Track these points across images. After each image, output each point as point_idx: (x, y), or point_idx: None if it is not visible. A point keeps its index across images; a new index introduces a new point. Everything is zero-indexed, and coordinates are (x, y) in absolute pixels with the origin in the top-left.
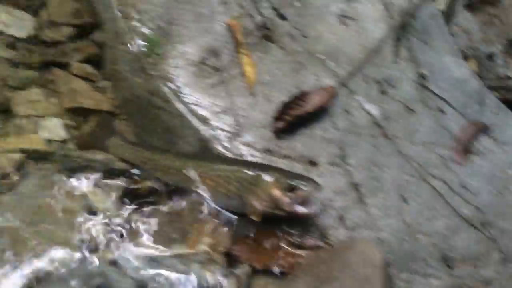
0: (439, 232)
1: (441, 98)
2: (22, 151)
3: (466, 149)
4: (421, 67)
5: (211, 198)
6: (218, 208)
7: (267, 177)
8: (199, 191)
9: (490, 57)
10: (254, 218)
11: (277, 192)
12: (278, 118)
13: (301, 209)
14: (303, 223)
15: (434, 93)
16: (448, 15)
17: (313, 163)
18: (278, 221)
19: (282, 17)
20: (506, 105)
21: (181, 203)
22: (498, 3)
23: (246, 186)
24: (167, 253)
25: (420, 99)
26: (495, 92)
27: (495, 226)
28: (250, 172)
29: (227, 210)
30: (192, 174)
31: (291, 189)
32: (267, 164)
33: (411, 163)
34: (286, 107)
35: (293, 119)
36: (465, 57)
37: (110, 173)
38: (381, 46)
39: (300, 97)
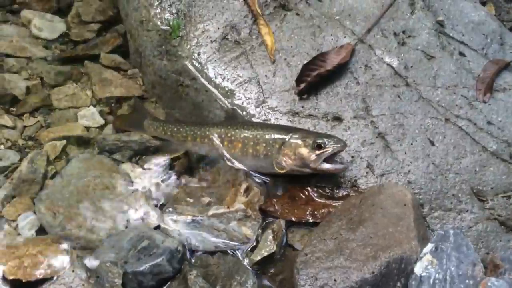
0: (469, 168)
1: (460, 42)
2: (65, 138)
3: (489, 87)
4: (438, 15)
5: (240, 161)
6: (247, 171)
7: (294, 137)
8: (227, 156)
9: None
10: (280, 171)
11: (304, 150)
12: (299, 80)
13: (326, 166)
14: (333, 177)
15: (453, 38)
16: None
17: (338, 118)
18: (307, 178)
19: None
20: None
21: (213, 170)
22: None
23: (274, 146)
24: (206, 215)
25: (439, 45)
26: None
27: None
28: (277, 134)
29: (256, 172)
30: (216, 138)
31: (318, 147)
32: (293, 126)
33: (435, 107)
34: (306, 68)
35: (314, 79)
36: (483, 3)
37: (146, 151)
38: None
39: (319, 58)
